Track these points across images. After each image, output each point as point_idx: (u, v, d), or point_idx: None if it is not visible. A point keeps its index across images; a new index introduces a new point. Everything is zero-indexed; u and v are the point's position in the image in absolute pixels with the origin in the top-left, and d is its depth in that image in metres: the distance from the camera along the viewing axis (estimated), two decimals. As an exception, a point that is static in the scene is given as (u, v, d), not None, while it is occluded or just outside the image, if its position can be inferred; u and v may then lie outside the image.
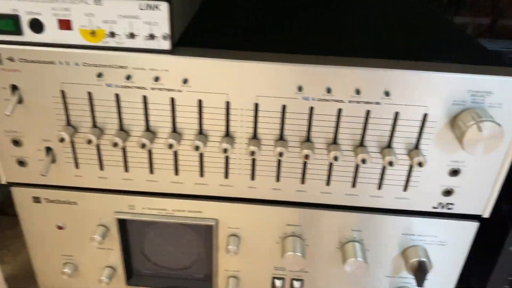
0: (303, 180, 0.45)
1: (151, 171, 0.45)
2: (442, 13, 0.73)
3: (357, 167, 0.44)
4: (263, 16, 0.55)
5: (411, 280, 0.51)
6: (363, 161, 0.41)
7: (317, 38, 0.48)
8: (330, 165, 0.44)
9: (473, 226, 0.47)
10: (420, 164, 0.41)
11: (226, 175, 0.45)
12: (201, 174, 0.45)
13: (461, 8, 0.91)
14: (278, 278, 0.52)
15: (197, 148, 0.42)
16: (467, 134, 0.38)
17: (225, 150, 0.42)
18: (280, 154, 0.42)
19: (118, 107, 0.42)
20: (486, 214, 0.46)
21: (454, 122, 0.40)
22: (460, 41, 0.51)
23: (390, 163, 0.41)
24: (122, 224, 0.50)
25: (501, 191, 0.46)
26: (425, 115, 0.40)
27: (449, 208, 0.46)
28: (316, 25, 0.53)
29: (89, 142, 0.42)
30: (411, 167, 0.43)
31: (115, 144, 0.42)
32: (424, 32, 0.53)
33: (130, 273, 0.54)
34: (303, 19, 0.55)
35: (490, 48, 0.61)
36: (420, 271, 0.47)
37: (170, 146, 0.42)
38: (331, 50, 0.42)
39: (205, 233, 0.50)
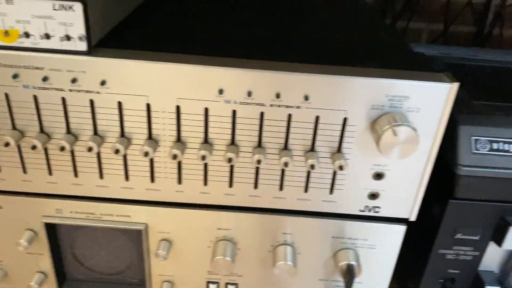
0: (231, 184, 0.45)
1: (76, 175, 0.45)
2: (382, 19, 0.74)
3: (283, 170, 0.44)
4: (194, 19, 0.55)
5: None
6: (286, 164, 0.41)
7: (244, 41, 0.48)
8: (257, 168, 0.44)
9: (401, 229, 0.47)
10: (341, 168, 0.42)
11: (152, 179, 0.45)
12: (126, 178, 0.45)
13: (414, 14, 0.93)
14: (213, 283, 0.52)
15: (117, 151, 0.41)
16: (383, 138, 0.38)
17: (146, 154, 0.41)
18: (203, 158, 0.41)
19: (37, 109, 0.41)
20: (413, 217, 0.46)
21: (373, 126, 0.40)
22: (392, 46, 0.52)
23: (312, 166, 0.41)
24: (51, 228, 0.48)
25: (430, 194, 0.46)
26: (345, 119, 0.41)
27: (376, 212, 0.46)
28: (245, 28, 0.52)
29: (7, 145, 0.41)
30: (335, 170, 0.43)
31: (34, 147, 0.41)
32: (356, 38, 0.53)
33: (62, 278, 0.53)
34: (233, 23, 0.54)
35: (429, 54, 0.62)
36: (348, 274, 0.47)
37: (90, 149, 0.41)
38: (254, 54, 0.42)
39: (136, 238, 0.49)
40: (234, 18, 0.57)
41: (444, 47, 0.66)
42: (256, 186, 0.45)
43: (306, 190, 0.45)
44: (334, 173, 0.44)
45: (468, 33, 0.96)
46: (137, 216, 0.47)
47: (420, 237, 0.51)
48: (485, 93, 0.51)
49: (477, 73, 0.58)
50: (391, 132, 0.38)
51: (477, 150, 0.44)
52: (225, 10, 0.59)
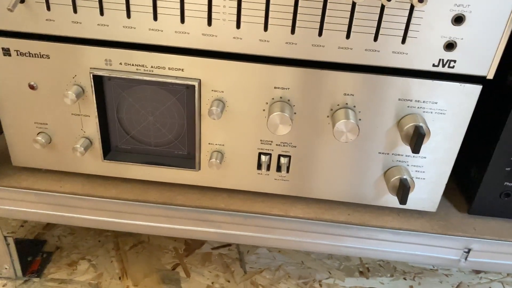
0: (293, 29, 0.41)
1: (128, 15, 0.42)
2: None
3: (352, 11, 0.40)
4: None
5: (406, 158, 0.48)
6: (359, -5, 0.38)
7: None
8: (324, 5, 0.40)
9: (476, 90, 0.43)
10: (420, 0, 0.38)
11: (210, 21, 0.42)
12: (182, 20, 0.42)
13: None
14: (265, 154, 0.49)
15: (176, -24, 0.38)
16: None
17: (207, -20, 0.38)
18: (268, -13, 0.38)
19: None
20: (490, 75, 0.42)
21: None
22: None
23: (388, -2, 0.38)
24: (98, 83, 0.46)
25: (508, 58, 0.42)
26: None
27: (450, 66, 0.42)
28: None
29: (59, -32, 0.38)
30: (411, 10, 0.39)
31: (88, -28, 0.38)
32: None
33: (107, 148, 0.51)
34: None
35: None
36: (417, 136, 0.43)
37: (148, -27, 0.38)
38: None
39: (187, 99, 0.47)
40: None
41: None
42: (320, 33, 0.41)
43: (376, 38, 0.41)
44: (410, 14, 0.40)
45: None
46: (191, 70, 0.45)
47: (492, 108, 0.47)
48: None
49: None
50: None
51: None
52: None
